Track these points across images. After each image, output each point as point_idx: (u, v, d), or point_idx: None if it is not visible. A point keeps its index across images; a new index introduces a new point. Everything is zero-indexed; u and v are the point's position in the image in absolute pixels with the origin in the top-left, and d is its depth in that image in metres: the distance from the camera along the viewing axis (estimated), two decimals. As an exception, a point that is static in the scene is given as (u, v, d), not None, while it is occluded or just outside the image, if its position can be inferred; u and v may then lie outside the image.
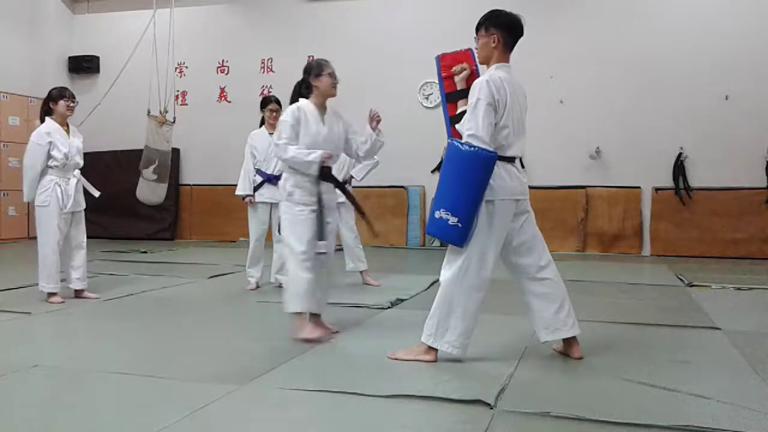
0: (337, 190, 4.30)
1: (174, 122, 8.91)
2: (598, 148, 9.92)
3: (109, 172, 10.67)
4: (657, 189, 9.76)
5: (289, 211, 4.12)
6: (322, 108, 4.24)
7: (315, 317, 4.20)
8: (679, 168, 9.62)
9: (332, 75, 4.22)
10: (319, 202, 4.12)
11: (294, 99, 4.30)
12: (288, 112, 4.18)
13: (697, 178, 9.60)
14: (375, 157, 6.37)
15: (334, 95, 4.26)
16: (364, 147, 4.33)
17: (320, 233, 4.12)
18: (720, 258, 9.12)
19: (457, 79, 3.69)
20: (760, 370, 3.40)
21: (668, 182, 9.68)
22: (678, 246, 9.56)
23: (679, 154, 9.62)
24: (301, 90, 4.28)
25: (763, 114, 9.28)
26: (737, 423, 2.63)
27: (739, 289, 6.27)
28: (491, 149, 3.35)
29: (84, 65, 12.13)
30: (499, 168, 3.41)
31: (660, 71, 9.69)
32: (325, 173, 4.13)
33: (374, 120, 4.29)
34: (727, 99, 9.47)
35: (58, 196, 5.30)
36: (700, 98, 9.52)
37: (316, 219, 4.12)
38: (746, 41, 9.37)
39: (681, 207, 9.61)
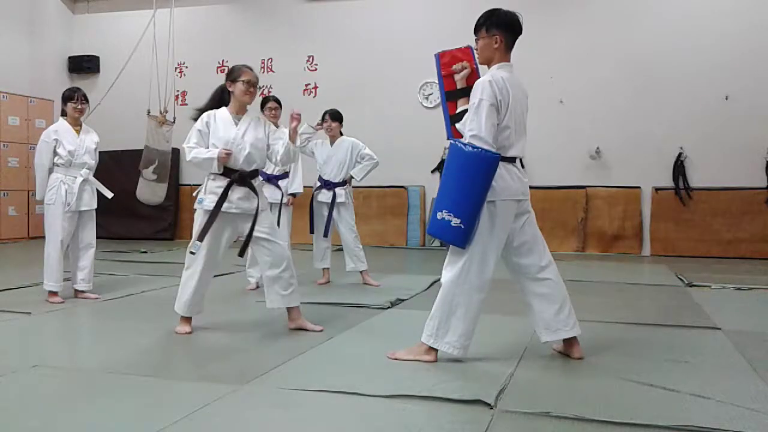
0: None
1: (174, 122, 8.92)
2: (598, 148, 9.93)
3: (109, 173, 10.61)
4: (657, 189, 9.76)
5: (197, 219, 4.22)
6: (240, 113, 4.26)
7: (293, 310, 4.29)
8: (679, 168, 9.63)
9: (248, 83, 4.19)
10: (218, 205, 4.13)
11: (212, 102, 4.34)
12: (199, 119, 4.25)
13: (697, 178, 9.60)
14: (374, 157, 6.39)
15: (247, 103, 4.26)
16: (279, 153, 4.29)
17: (202, 234, 4.14)
18: (720, 258, 9.13)
19: (457, 77, 3.68)
20: (760, 370, 3.40)
21: (668, 182, 9.69)
22: (678, 246, 9.57)
23: (679, 154, 9.63)
24: (223, 95, 4.31)
25: (763, 114, 9.29)
26: (737, 423, 2.63)
27: (739, 289, 6.27)
28: (494, 150, 3.35)
29: (84, 65, 12.14)
30: (501, 168, 3.40)
31: (660, 71, 9.70)
32: (240, 176, 4.17)
33: (293, 119, 4.21)
34: (726, 99, 9.47)
35: (62, 195, 5.32)
36: (700, 98, 9.53)
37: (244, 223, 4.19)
38: (746, 41, 9.37)
39: (681, 207, 9.62)
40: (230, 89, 4.24)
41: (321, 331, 4.27)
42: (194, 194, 5.99)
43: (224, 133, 4.19)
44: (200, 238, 4.13)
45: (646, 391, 3.07)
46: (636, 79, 9.78)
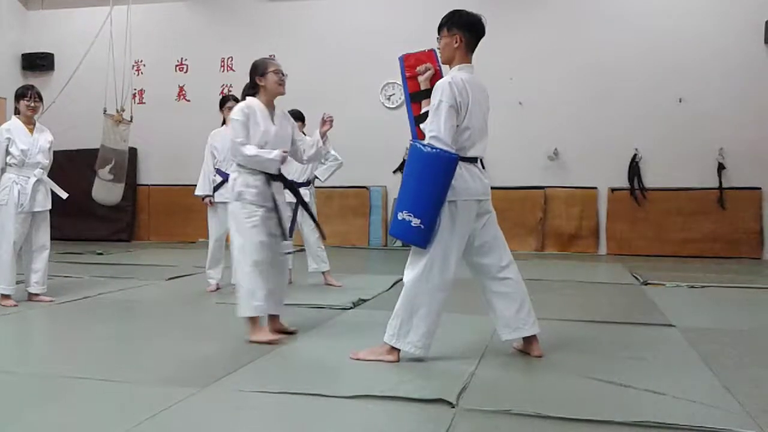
0: (301, 190, 4.29)
1: (131, 121, 8.78)
2: (556, 149, 10.08)
3: (63, 172, 10.38)
4: (613, 189, 9.96)
5: (240, 213, 4.04)
6: (270, 107, 4.19)
7: (273, 318, 4.19)
8: (634, 169, 9.84)
9: (278, 72, 4.15)
10: (274, 201, 4.08)
11: (243, 99, 4.25)
12: (237, 111, 4.09)
13: (651, 178, 9.83)
14: (339, 158, 6.38)
15: (282, 93, 4.20)
16: (310, 152, 4.30)
17: (284, 233, 4.10)
18: (674, 257, 9.35)
19: (421, 79, 3.71)
20: (713, 366, 3.49)
21: (623, 183, 9.90)
22: (633, 245, 9.77)
23: (634, 156, 9.84)
24: (248, 91, 4.23)
25: (715, 116, 9.55)
26: (691, 418, 2.70)
27: (692, 287, 6.43)
28: (453, 151, 3.38)
29: (38, 62, 11.84)
30: (461, 169, 3.44)
31: (616, 74, 9.89)
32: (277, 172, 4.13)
33: (326, 123, 4.25)
34: (680, 102, 9.71)
35: (15, 195, 5.18)
36: (655, 101, 9.75)
37: (277, 219, 4.09)
38: (699, 46, 9.63)
39: (636, 207, 9.83)
40: (260, 83, 4.13)
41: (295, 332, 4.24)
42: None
43: (264, 127, 4.08)
44: (285, 237, 4.11)
45: (603, 387, 3.13)
46: (593, 81, 9.96)
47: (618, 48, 9.87)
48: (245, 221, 4.02)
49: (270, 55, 10.92)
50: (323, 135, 4.28)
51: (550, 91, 10.08)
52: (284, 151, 4.08)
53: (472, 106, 3.47)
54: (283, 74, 4.18)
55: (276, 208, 4.10)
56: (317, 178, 6.37)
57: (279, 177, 4.17)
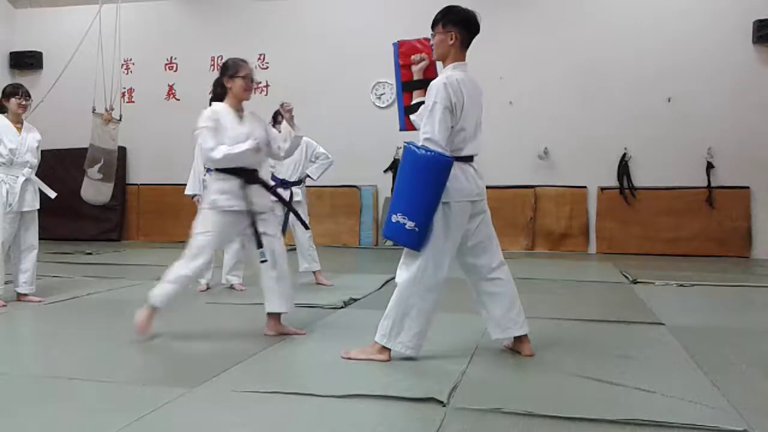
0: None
1: (120, 120, 8.72)
2: (546, 148, 10.12)
3: (52, 172, 10.34)
4: (602, 188, 10.01)
5: (210, 219, 4.03)
6: (238, 109, 4.14)
7: (275, 317, 4.18)
8: (624, 168, 9.89)
9: (246, 78, 4.10)
10: (251, 206, 4.04)
11: (213, 98, 4.22)
12: (204, 118, 4.03)
13: (640, 177, 9.88)
14: (329, 156, 6.38)
15: (247, 99, 4.16)
16: (285, 146, 4.27)
17: (258, 240, 4.05)
18: (663, 255, 9.40)
19: (414, 68, 3.70)
20: (702, 364, 3.51)
21: (613, 182, 9.94)
22: (622, 244, 9.82)
23: (624, 155, 9.89)
24: (217, 90, 4.19)
25: (704, 115, 9.61)
26: (680, 416, 2.71)
27: (681, 285, 6.47)
28: (447, 153, 3.37)
29: (26, 61, 11.78)
30: (456, 169, 3.41)
31: (606, 74, 9.94)
32: (252, 176, 4.09)
33: (288, 112, 4.20)
34: (669, 101, 9.77)
35: (3, 195, 5.14)
36: (644, 100, 9.80)
37: (252, 224, 4.06)
38: (688, 45, 9.69)
39: (625, 206, 9.88)
40: (228, 85, 4.10)
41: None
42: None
43: (233, 131, 4.03)
44: (259, 246, 4.05)
45: (593, 386, 3.15)
46: (583, 81, 10.00)
47: (607, 48, 9.92)
48: (218, 223, 4.03)
49: (260, 55, 11.04)
50: (290, 122, 4.22)
51: (540, 90, 10.11)
52: (257, 142, 4.01)
53: (467, 106, 3.46)
54: (252, 80, 4.15)
55: (253, 218, 4.05)
56: (309, 176, 6.36)
57: (256, 179, 4.11)
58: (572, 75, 10.03)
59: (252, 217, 4.06)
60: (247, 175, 4.07)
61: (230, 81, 4.10)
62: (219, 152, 3.96)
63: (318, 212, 9.91)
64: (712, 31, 9.65)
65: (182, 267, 4.06)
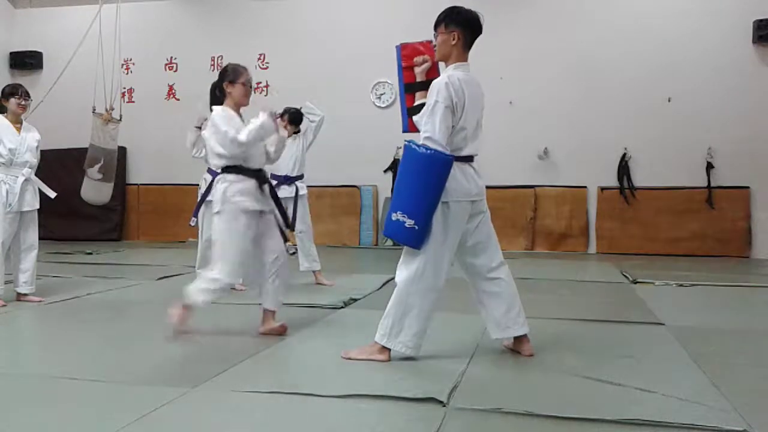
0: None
1: (120, 120, 8.71)
2: (546, 148, 10.12)
3: (52, 172, 10.31)
4: (602, 188, 10.01)
5: (231, 220, 4.00)
6: (238, 114, 4.17)
7: (269, 313, 4.19)
8: (624, 168, 9.90)
9: (246, 84, 4.13)
10: (276, 201, 4.12)
11: (212, 102, 4.23)
12: (218, 112, 4.04)
13: (640, 177, 9.88)
14: (318, 112, 6.48)
15: (245, 105, 4.18)
16: (271, 149, 4.30)
17: (283, 233, 4.12)
18: (663, 255, 9.40)
19: (417, 70, 3.71)
20: (702, 364, 3.51)
21: (613, 182, 9.94)
22: (622, 244, 9.82)
23: (624, 155, 9.89)
24: (216, 93, 4.21)
25: (704, 115, 9.62)
26: (681, 416, 2.71)
27: (681, 285, 6.47)
28: (447, 152, 3.37)
29: (26, 61, 11.78)
30: (455, 169, 3.41)
31: (605, 74, 9.94)
32: (263, 176, 4.16)
33: (275, 118, 4.17)
34: (669, 101, 9.77)
35: (3, 195, 5.14)
36: (644, 100, 9.80)
37: (275, 222, 4.14)
38: (687, 45, 9.69)
39: (625, 206, 9.88)
40: (228, 90, 4.11)
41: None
42: (209, 198, 5.90)
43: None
44: (286, 240, 4.12)
45: (594, 386, 3.15)
46: (583, 81, 10.00)
47: (607, 47, 9.92)
48: (240, 225, 4.00)
49: (260, 55, 11.03)
50: (266, 109, 4.10)
51: (540, 90, 10.11)
52: (265, 109, 3.99)
53: (468, 106, 3.46)
54: (251, 86, 4.18)
55: (280, 209, 4.16)
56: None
57: (266, 179, 4.18)
58: (572, 75, 10.04)
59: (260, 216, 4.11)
60: (260, 175, 4.13)
61: (230, 86, 4.12)
62: (243, 134, 3.94)
63: (318, 212, 9.89)
64: (712, 30, 9.65)
65: (215, 273, 4.02)
